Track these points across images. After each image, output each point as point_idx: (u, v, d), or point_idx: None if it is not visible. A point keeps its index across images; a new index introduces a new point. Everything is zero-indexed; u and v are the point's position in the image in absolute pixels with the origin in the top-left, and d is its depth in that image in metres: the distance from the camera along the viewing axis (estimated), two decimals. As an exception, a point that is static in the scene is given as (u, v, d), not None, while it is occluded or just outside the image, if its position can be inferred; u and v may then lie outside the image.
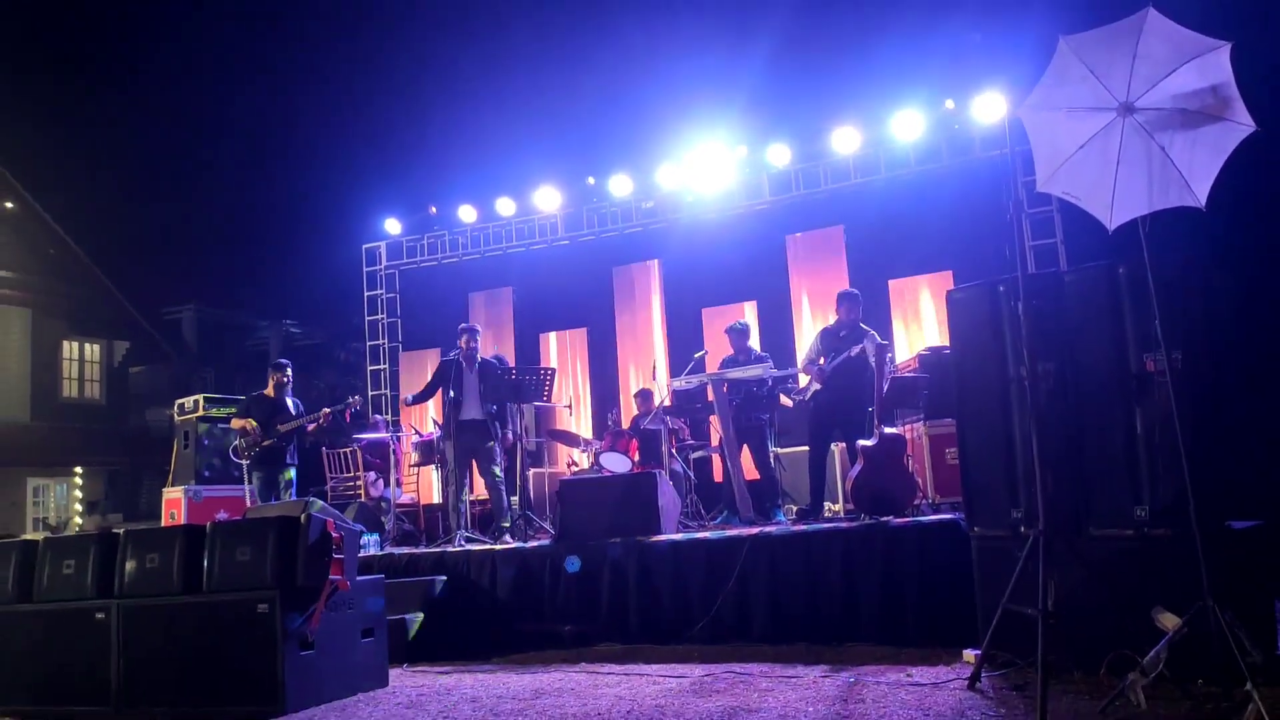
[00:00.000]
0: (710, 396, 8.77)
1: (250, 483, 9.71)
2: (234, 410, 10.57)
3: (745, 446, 8.71)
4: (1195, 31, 4.29)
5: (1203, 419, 4.82)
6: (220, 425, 11.38)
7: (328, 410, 9.67)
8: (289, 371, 9.99)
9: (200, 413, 11.60)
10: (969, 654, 5.39)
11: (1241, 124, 4.20)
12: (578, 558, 7.36)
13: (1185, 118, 4.32)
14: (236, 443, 9.66)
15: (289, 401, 9.74)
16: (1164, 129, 4.36)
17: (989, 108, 10.16)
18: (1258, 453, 5.42)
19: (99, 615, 5.82)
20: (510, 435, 9.19)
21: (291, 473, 9.64)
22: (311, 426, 9.62)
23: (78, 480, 22.38)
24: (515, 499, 9.26)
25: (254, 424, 9.47)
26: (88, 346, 23.59)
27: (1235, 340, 5.36)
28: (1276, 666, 4.53)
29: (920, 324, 10.68)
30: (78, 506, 22.12)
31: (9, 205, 21.45)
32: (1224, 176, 4.26)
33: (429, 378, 9.33)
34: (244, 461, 9.68)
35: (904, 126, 10.67)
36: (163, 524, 10.91)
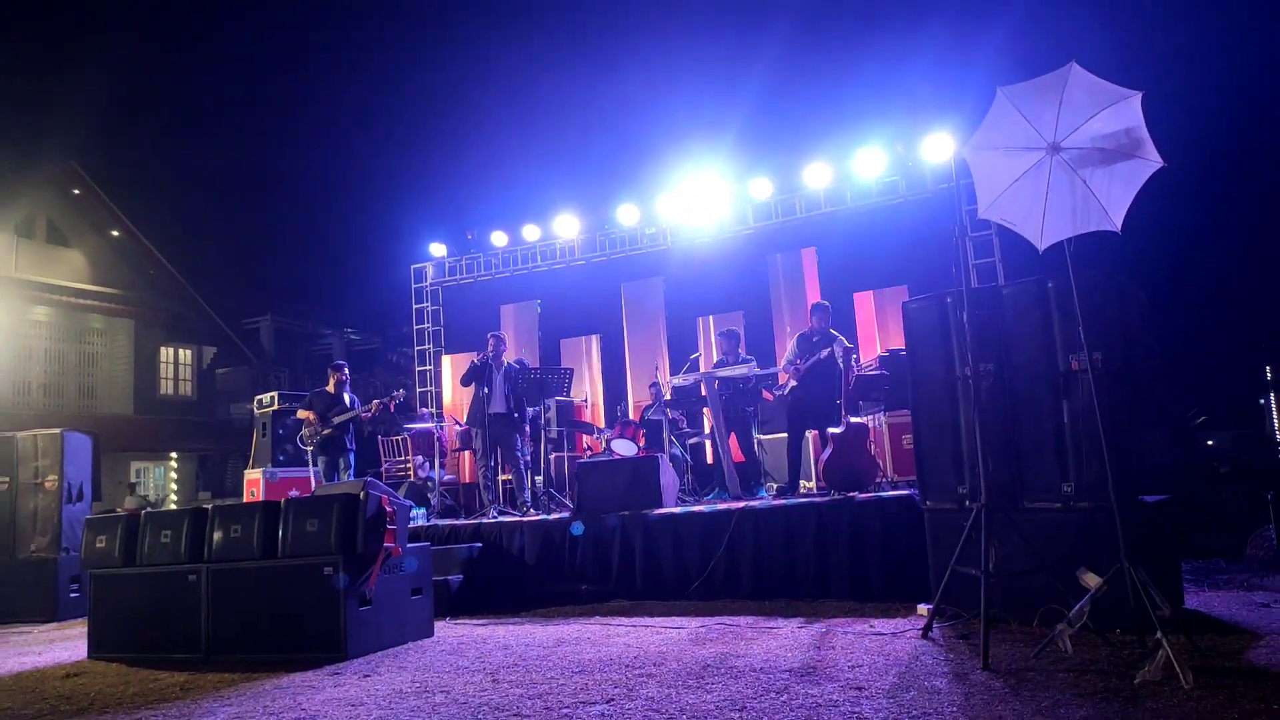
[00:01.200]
0: (704, 392, 8.76)
1: (315, 465, 9.73)
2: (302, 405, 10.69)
3: (734, 434, 8.69)
4: (1112, 83, 4.29)
5: (1119, 409, 4.82)
6: (292, 418, 11.39)
7: (377, 402, 9.66)
8: (346, 371, 9.99)
9: (276, 407, 11.61)
10: (922, 608, 5.37)
11: (1151, 161, 4.19)
12: (581, 524, 7.39)
13: (1104, 155, 4.31)
14: (302, 431, 9.70)
15: (346, 396, 9.74)
16: (1086, 165, 4.35)
17: (938, 148, 10.14)
18: (1165, 437, 5.41)
19: (191, 577, 5.84)
20: (526, 428, 9.17)
21: (350, 457, 9.63)
22: (366, 415, 9.61)
23: (173, 464, 22.44)
24: (540, 478, 9.25)
25: (315, 415, 9.54)
26: (181, 351, 23.65)
27: (1146, 343, 5.35)
28: (1182, 619, 4.53)
29: (881, 330, 10.65)
30: (173, 485, 22.17)
31: (115, 233, 21.51)
32: (1136, 205, 4.25)
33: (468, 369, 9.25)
34: (309, 448, 9.70)
35: (867, 164, 10.64)
36: (244, 500, 10.94)
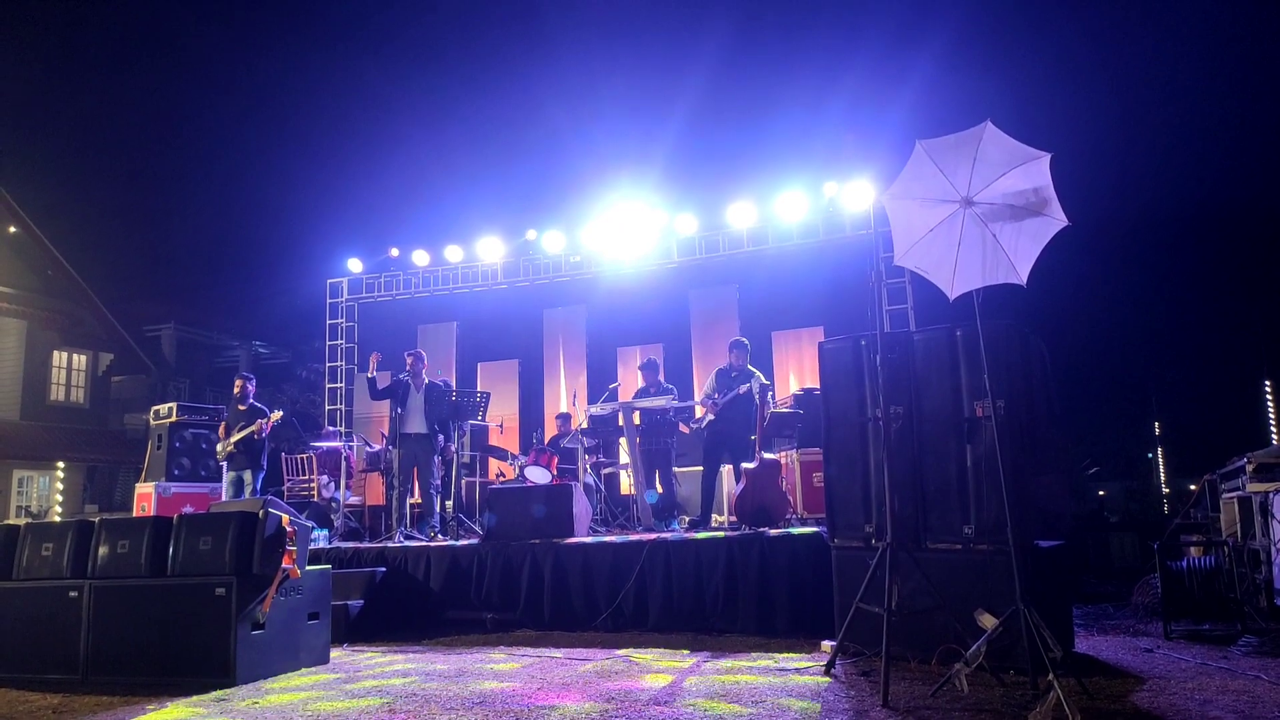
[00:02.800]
0: (621, 422, 8.76)
1: (223, 480, 9.47)
2: (206, 417, 10.46)
3: (656, 469, 8.71)
4: (1023, 143, 4.49)
5: (1019, 456, 4.99)
6: (190, 430, 10.95)
7: (261, 421, 9.35)
8: (248, 383, 9.74)
9: (173, 419, 11.14)
10: (826, 645, 5.44)
11: (1057, 219, 4.39)
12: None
13: (1013, 212, 4.50)
14: (217, 445, 9.47)
15: (251, 409, 9.46)
16: (996, 220, 4.53)
17: (858, 194, 10.45)
18: (1060, 485, 5.62)
19: (72, 593, 5.53)
20: (451, 448, 9.04)
21: (255, 474, 9.35)
22: (256, 436, 9.31)
23: (59, 474, 21.31)
24: (450, 503, 9.10)
25: (223, 428, 9.34)
26: (76, 356, 22.57)
27: (1045, 393, 5.57)
28: (1072, 661, 4.69)
29: (797, 369, 10.86)
30: (59, 496, 21.05)
31: (12, 230, 20.51)
32: (1042, 261, 4.44)
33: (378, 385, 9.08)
34: (222, 462, 9.44)
35: (789, 207, 10.89)
36: (134, 515, 10.44)
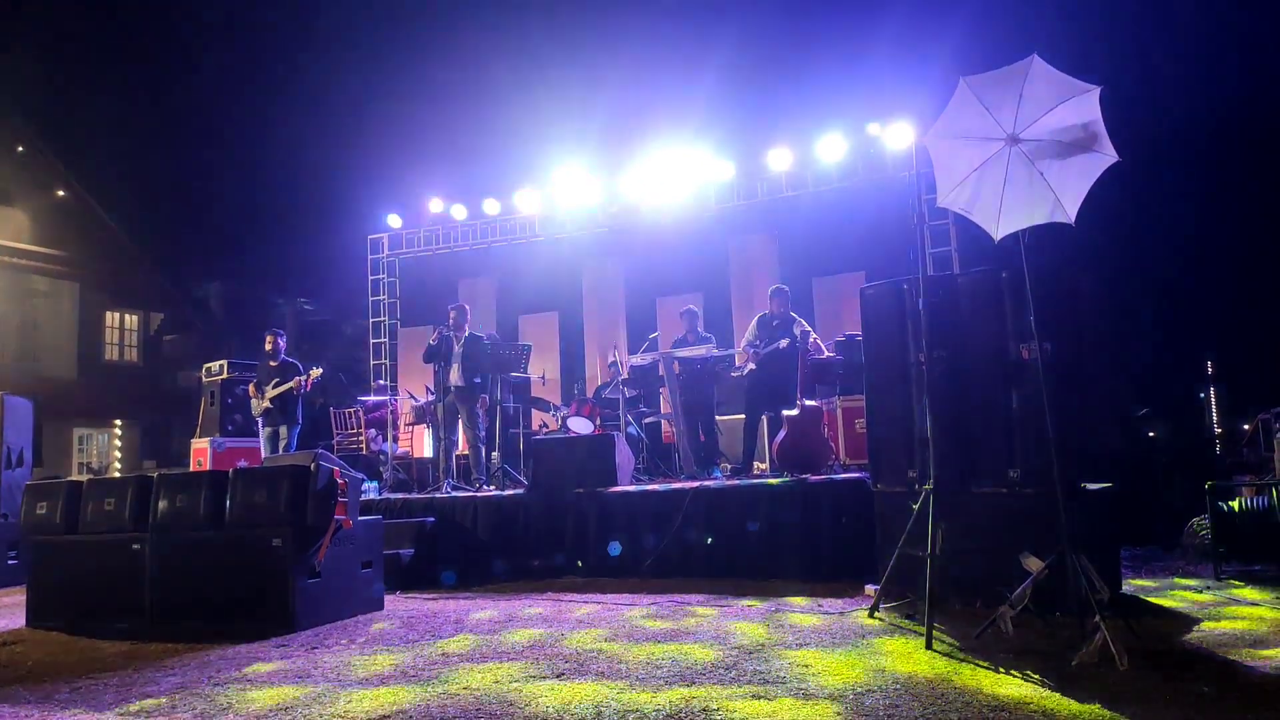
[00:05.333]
0: (661, 371, 8.78)
1: (260, 436, 9.66)
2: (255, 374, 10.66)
3: (698, 418, 8.73)
4: (1071, 76, 4.35)
5: (1066, 399, 4.92)
6: (241, 387, 11.20)
7: (299, 378, 9.47)
8: (279, 338, 9.77)
9: (224, 375, 11.40)
10: (870, 588, 5.47)
11: (1107, 155, 4.26)
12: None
13: (1061, 148, 4.37)
14: (252, 401, 9.62)
15: (283, 364, 9.57)
16: (1043, 157, 4.41)
17: (899, 135, 10.21)
18: (1109, 427, 5.55)
19: (135, 545, 5.74)
20: (488, 400, 9.13)
21: (289, 429, 9.49)
22: (296, 392, 9.44)
23: (117, 431, 21.97)
24: (496, 454, 9.23)
25: (253, 386, 9.59)
26: (127, 316, 23.12)
27: (1094, 334, 5.47)
28: (1120, 603, 4.66)
29: (838, 315, 10.76)
30: (118, 453, 21.71)
31: (61, 193, 20.93)
32: (1091, 198, 4.32)
33: (426, 348, 9.19)
34: (258, 417, 9.61)
35: (828, 149, 10.67)
36: (190, 470, 10.75)
